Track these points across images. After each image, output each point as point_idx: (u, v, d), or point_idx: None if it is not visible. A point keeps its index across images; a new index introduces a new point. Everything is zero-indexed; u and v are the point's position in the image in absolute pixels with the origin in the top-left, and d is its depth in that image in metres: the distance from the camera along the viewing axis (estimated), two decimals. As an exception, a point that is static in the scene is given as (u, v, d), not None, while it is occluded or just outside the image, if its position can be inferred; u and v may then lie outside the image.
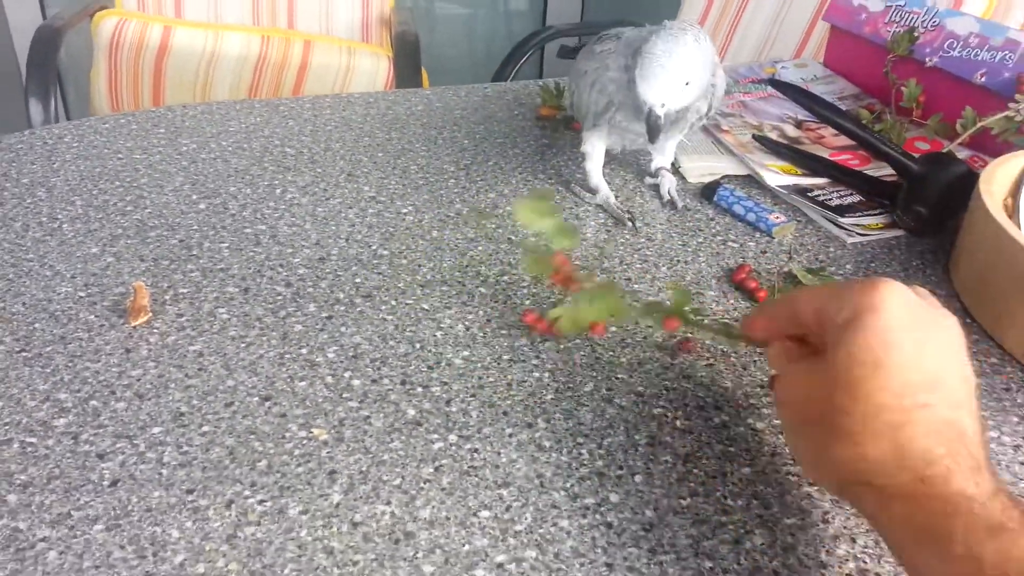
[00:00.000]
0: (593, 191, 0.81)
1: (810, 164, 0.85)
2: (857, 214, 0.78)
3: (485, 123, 0.97)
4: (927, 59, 0.91)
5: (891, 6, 0.97)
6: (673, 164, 0.86)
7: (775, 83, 0.92)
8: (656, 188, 0.82)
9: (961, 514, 0.35)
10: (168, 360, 0.55)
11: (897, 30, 0.95)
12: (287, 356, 0.56)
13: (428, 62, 2.31)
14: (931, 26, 0.92)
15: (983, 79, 0.86)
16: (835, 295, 0.41)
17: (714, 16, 1.64)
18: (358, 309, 0.62)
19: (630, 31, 0.76)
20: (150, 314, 0.59)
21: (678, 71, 0.67)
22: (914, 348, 0.38)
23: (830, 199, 0.81)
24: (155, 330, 0.58)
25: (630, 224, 0.77)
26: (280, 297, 0.63)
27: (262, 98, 1.55)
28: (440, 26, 2.41)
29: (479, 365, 0.57)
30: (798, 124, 0.95)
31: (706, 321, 0.62)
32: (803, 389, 0.42)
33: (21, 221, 0.71)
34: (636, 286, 0.68)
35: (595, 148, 0.81)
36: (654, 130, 0.69)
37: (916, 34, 0.93)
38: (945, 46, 0.90)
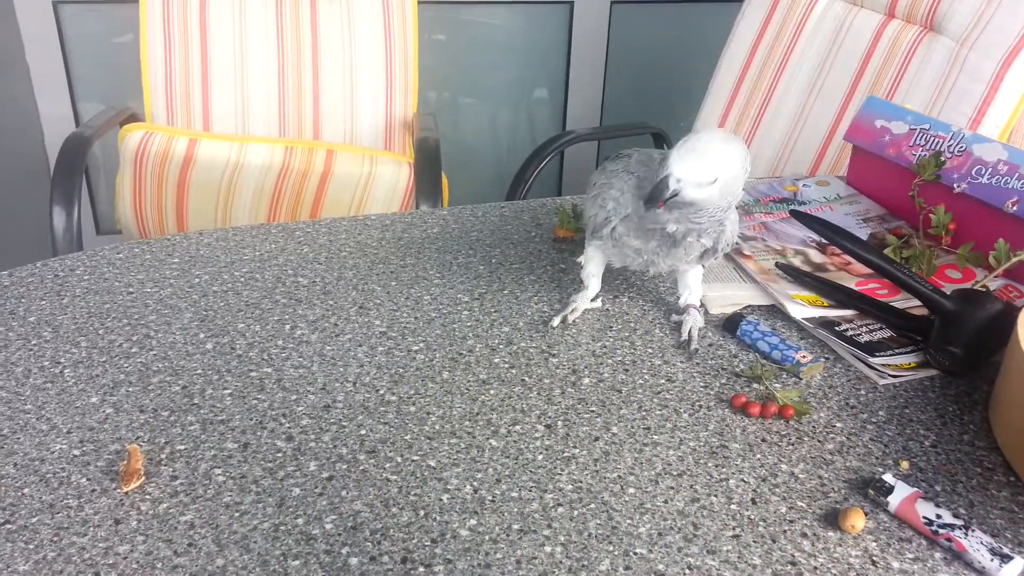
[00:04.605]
0: (582, 286, 0.83)
1: (836, 295, 0.82)
2: (887, 352, 0.75)
3: (501, 246, 0.95)
4: (955, 185, 0.89)
5: (915, 129, 0.95)
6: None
7: (796, 214, 0.89)
8: (679, 326, 0.79)
9: None
10: (158, 533, 0.53)
11: (923, 154, 0.93)
12: (282, 528, 0.53)
13: (451, 154, 2.34)
14: (958, 151, 0.90)
15: (1015, 208, 0.83)
16: None
17: (730, 125, 1.64)
18: (361, 468, 0.59)
19: (643, 151, 0.77)
20: (143, 478, 0.57)
21: (711, 159, 0.67)
22: None
23: (859, 334, 0.77)
24: (147, 496, 0.56)
25: (557, 320, 0.79)
26: (280, 454, 0.60)
27: (279, 221, 1.57)
28: (464, 120, 2.45)
29: (487, 537, 0.54)
30: (822, 248, 0.92)
31: None
32: None
33: (23, 366, 0.70)
34: (655, 436, 0.65)
35: (592, 258, 0.82)
36: (655, 195, 0.68)
37: (943, 159, 0.90)
38: (973, 172, 0.88)
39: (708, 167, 0.67)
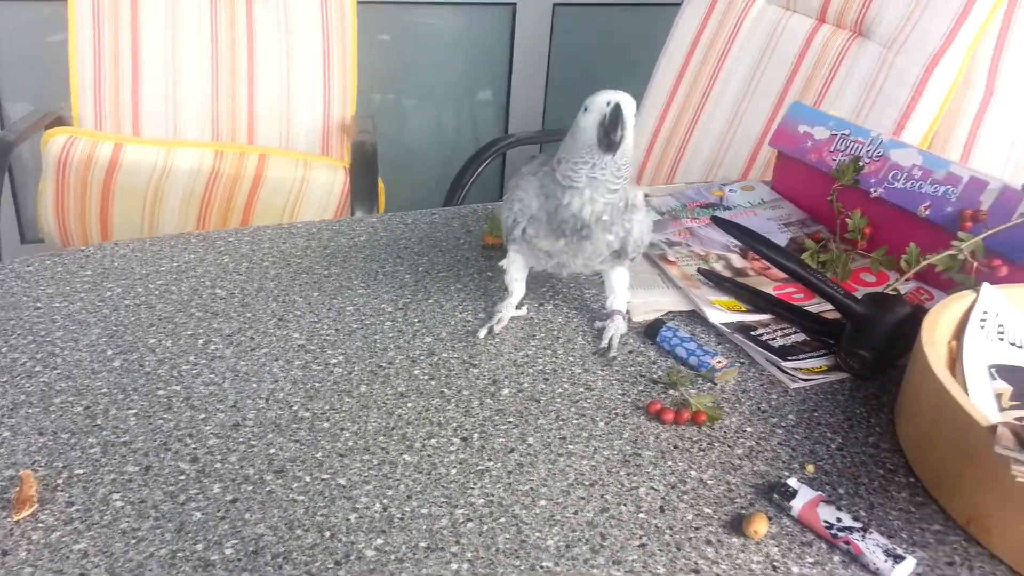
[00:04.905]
0: (504, 295, 0.83)
1: (754, 300, 0.83)
2: (800, 356, 0.76)
3: (429, 254, 0.95)
4: (872, 189, 0.90)
5: (836, 134, 0.97)
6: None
7: (716, 220, 0.90)
8: (601, 331, 0.80)
9: None
10: (48, 564, 0.51)
11: (842, 159, 0.94)
12: (179, 555, 0.52)
13: (393, 156, 2.33)
14: (876, 156, 0.92)
15: (927, 212, 0.85)
16: None
17: (664, 135, 1.66)
18: (267, 488, 0.58)
19: (549, 155, 0.77)
20: (36, 505, 0.55)
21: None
22: None
23: (774, 338, 0.78)
24: (40, 524, 0.54)
25: (483, 332, 0.79)
26: (183, 477, 0.59)
27: (208, 228, 1.54)
28: (407, 121, 2.43)
29: (392, 557, 0.53)
30: (744, 253, 0.93)
31: None
32: None
33: (-83, 388, 0.67)
34: (570, 446, 0.65)
35: (513, 262, 0.82)
36: (614, 125, 0.68)
37: (861, 164, 0.92)
38: (890, 177, 0.90)
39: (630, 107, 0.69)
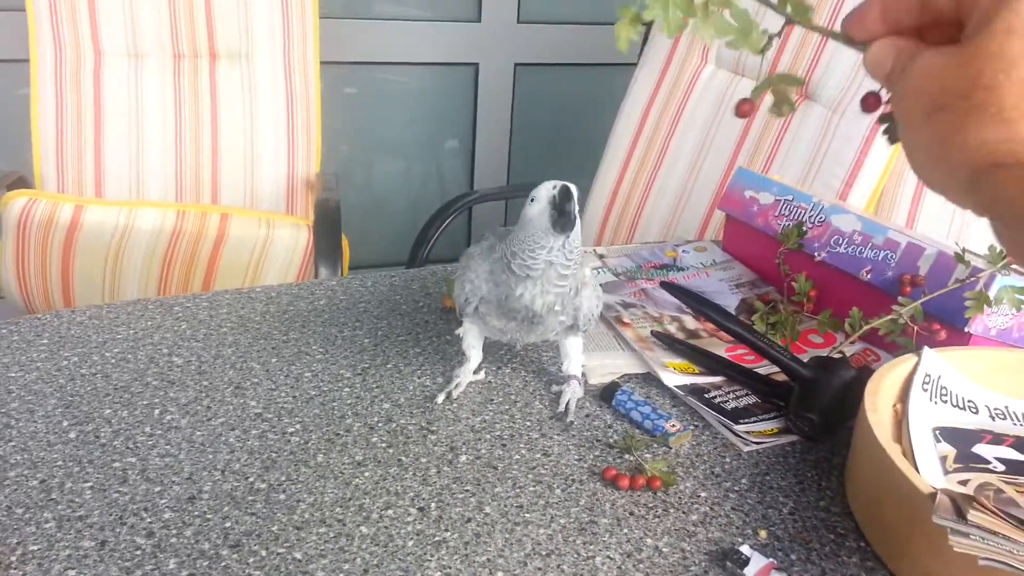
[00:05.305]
0: (463, 360, 0.84)
1: (707, 362, 0.85)
2: (752, 419, 0.78)
3: (389, 317, 0.96)
4: (816, 253, 0.94)
5: (780, 200, 1.01)
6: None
7: (665, 285, 0.93)
8: (559, 396, 0.81)
9: None
10: (-3, 647, 0.50)
11: (787, 224, 0.98)
12: (133, 635, 0.52)
13: (359, 209, 2.34)
14: (818, 222, 0.96)
15: (868, 276, 0.88)
16: None
17: (625, 186, 1.70)
18: (223, 563, 0.58)
19: (496, 233, 0.80)
20: (-13, 585, 0.54)
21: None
22: None
23: (726, 401, 0.80)
24: (-10, 605, 0.53)
25: (441, 397, 0.80)
26: (139, 552, 0.59)
27: (168, 292, 1.54)
28: (372, 176, 2.46)
29: None
30: (696, 315, 0.96)
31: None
32: (938, 75, 0.38)
33: None
34: (527, 515, 0.65)
35: (469, 330, 0.83)
36: (569, 206, 0.69)
37: (804, 228, 0.96)
38: (832, 242, 0.93)
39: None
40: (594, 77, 2.45)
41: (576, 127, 2.49)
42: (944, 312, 0.80)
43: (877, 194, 1.42)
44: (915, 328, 0.79)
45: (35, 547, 0.59)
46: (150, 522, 0.62)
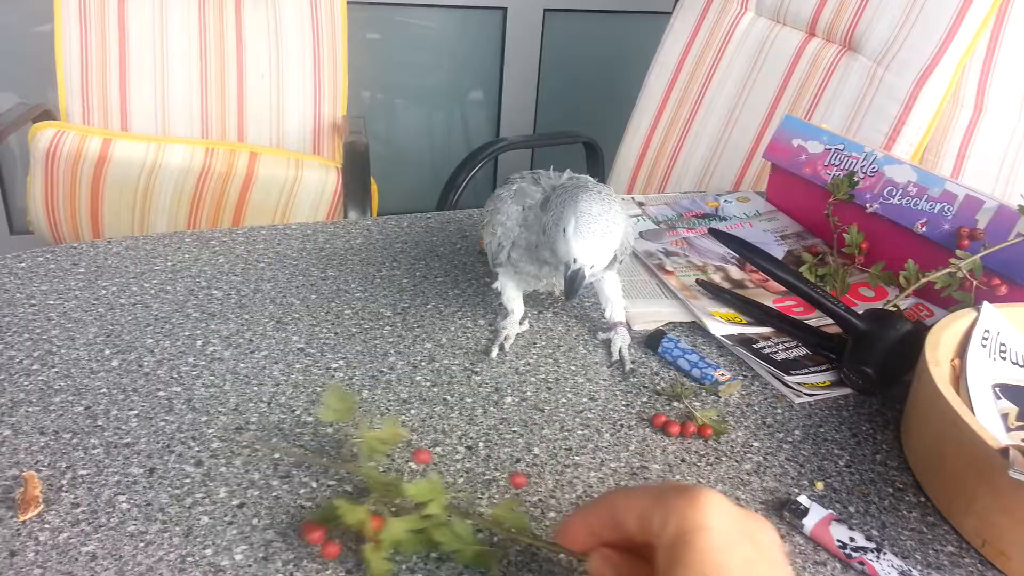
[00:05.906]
0: (506, 313, 0.81)
1: (755, 312, 0.84)
2: (803, 371, 0.76)
3: (426, 258, 0.94)
4: (868, 205, 0.91)
5: (830, 149, 0.98)
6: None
7: (714, 231, 0.91)
8: (608, 344, 0.79)
9: None
10: (56, 566, 0.50)
11: (837, 173, 0.95)
12: (189, 559, 0.51)
13: (384, 156, 2.31)
14: (870, 172, 0.93)
15: (924, 229, 0.86)
16: (657, 504, 0.41)
17: (658, 137, 1.67)
18: (274, 494, 0.57)
19: (527, 177, 0.77)
20: (42, 506, 0.54)
21: (612, 236, 0.67)
22: (744, 565, 0.39)
23: (776, 352, 0.79)
24: (46, 525, 0.53)
25: (495, 352, 0.77)
26: (188, 480, 0.58)
27: (200, 226, 1.52)
28: (397, 122, 2.42)
29: (404, 568, 0.52)
30: (742, 264, 0.94)
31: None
32: None
33: (-90, 385, 0.66)
34: (576, 458, 0.64)
35: (506, 284, 0.81)
36: (574, 288, 0.68)
37: (856, 179, 0.93)
38: (885, 193, 0.91)
39: (607, 246, 0.67)
40: (626, 25, 2.39)
41: (606, 76, 2.44)
42: (1004, 267, 0.78)
43: (920, 151, 1.38)
44: (974, 283, 0.77)
45: (84, 472, 0.58)
46: (198, 451, 0.61)
